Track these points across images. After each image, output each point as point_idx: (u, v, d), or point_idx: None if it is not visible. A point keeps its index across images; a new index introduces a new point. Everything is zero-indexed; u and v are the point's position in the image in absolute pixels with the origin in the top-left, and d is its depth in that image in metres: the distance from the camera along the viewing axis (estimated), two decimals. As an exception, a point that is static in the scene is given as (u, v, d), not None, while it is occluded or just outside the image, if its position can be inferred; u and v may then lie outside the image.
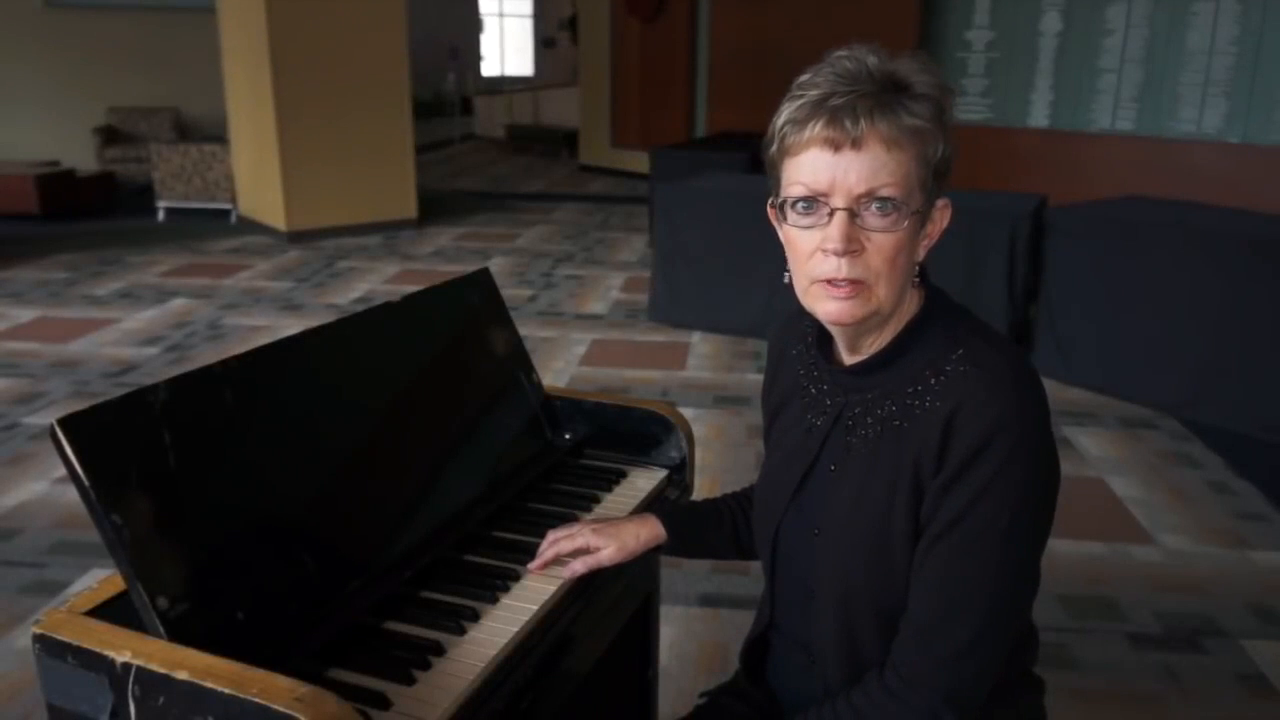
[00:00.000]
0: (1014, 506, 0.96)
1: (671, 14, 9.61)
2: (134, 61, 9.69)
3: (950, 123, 1.01)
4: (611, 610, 1.43)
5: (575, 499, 1.46)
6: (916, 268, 1.04)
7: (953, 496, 0.97)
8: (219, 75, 7.76)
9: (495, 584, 1.21)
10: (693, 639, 2.40)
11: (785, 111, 1.01)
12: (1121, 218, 4.11)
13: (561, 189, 10.01)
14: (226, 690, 0.87)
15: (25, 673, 2.24)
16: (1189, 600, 2.59)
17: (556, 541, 1.27)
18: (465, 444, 1.41)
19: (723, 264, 4.84)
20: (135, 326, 5.04)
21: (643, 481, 1.53)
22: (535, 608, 1.17)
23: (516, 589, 1.21)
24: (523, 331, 1.84)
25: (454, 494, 1.34)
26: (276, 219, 7.18)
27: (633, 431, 1.58)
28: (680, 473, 1.57)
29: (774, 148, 1.03)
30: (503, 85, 17.04)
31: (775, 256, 1.08)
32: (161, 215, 7.87)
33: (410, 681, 1.03)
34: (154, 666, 0.90)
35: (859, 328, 1.05)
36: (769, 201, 1.06)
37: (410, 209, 7.62)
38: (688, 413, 3.72)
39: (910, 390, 1.03)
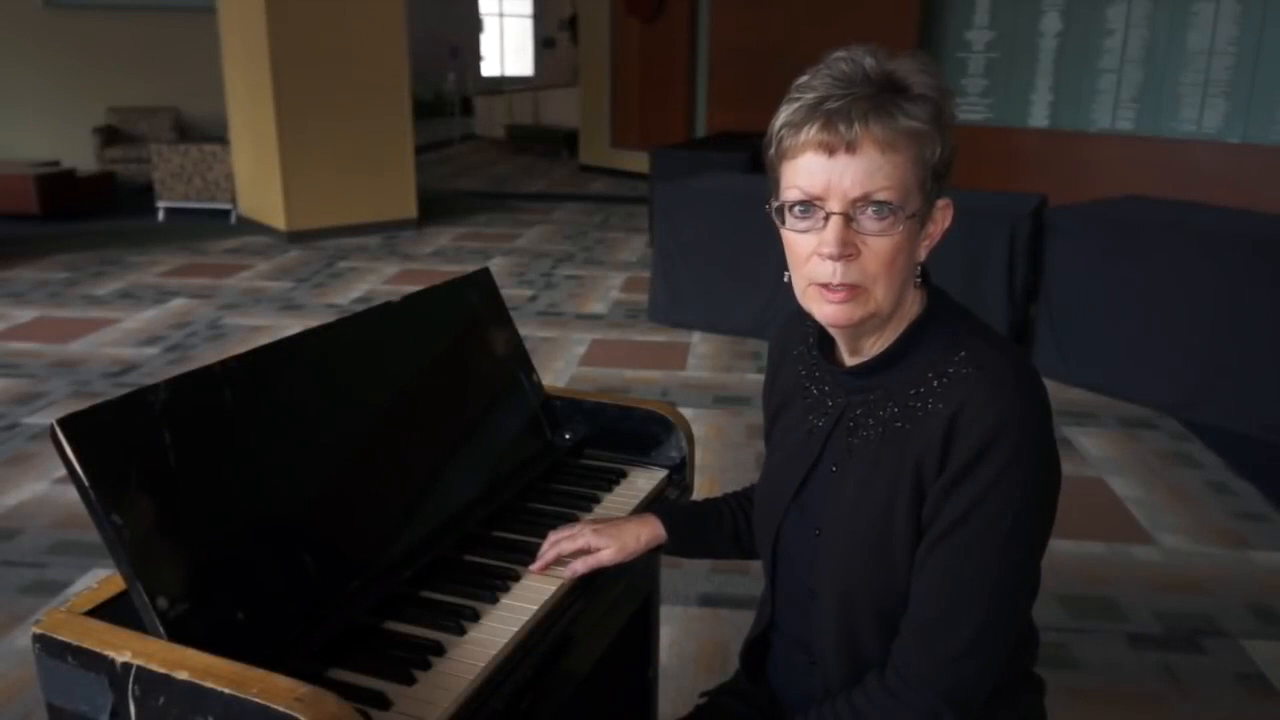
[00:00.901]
0: (1016, 508, 0.96)
1: (671, 14, 9.61)
2: (134, 61, 9.68)
3: (950, 123, 1.00)
4: (611, 610, 1.43)
5: (575, 499, 1.46)
6: (917, 268, 1.04)
7: (955, 498, 0.97)
8: (219, 75, 7.75)
9: (495, 584, 1.21)
10: (693, 639, 2.40)
11: (782, 115, 1.01)
12: (1121, 218, 4.11)
13: (561, 189, 10.01)
14: (226, 690, 0.87)
15: (25, 673, 2.24)
16: (1189, 600, 2.59)
17: (558, 542, 1.27)
18: (465, 444, 1.41)
19: (723, 264, 4.83)
20: (135, 326, 5.04)
21: (643, 481, 1.53)
22: (535, 608, 1.17)
23: (516, 589, 1.21)
24: (523, 331, 1.84)
25: (454, 494, 1.34)
26: (276, 219, 7.18)
27: (633, 431, 1.58)
28: (680, 473, 1.57)
29: (772, 151, 1.03)
30: (503, 85, 17.02)
31: (775, 257, 1.08)
32: (161, 215, 7.87)
33: (410, 681, 1.03)
34: (154, 666, 0.90)
35: (858, 329, 1.05)
36: (768, 203, 1.06)
37: (410, 209, 7.62)
38: (688, 413, 3.72)
39: (912, 392, 1.03)
